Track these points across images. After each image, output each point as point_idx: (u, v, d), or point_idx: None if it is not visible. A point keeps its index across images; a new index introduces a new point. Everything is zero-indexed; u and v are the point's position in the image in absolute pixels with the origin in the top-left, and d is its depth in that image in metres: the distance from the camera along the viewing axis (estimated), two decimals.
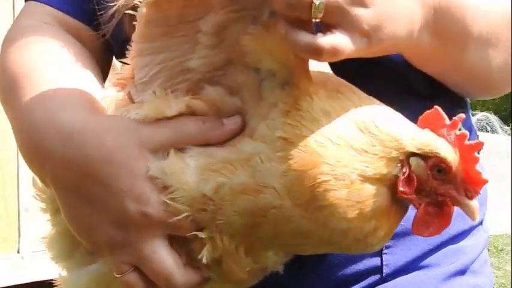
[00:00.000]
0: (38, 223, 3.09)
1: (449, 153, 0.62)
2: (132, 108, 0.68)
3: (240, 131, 0.66)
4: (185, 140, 0.65)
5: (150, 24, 0.65)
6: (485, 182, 0.62)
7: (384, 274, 0.82)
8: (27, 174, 3.01)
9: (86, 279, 0.72)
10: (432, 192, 0.63)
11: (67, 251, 0.75)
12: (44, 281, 3.06)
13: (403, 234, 0.81)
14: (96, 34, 0.91)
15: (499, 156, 10.58)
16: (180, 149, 0.65)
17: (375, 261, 0.81)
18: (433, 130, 0.64)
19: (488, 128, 11.47)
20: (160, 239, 0.65)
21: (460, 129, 0.64)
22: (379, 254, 0.81)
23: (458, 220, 0.76)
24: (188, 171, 0.64)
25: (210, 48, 0.66)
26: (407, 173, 0.62)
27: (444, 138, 0.63)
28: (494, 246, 8.58)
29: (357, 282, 0.81)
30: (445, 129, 0.64)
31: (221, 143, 0.65)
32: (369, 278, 0.82)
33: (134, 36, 0.67)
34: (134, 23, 0.66)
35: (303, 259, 0.71)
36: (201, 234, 0.64)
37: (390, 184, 0.63)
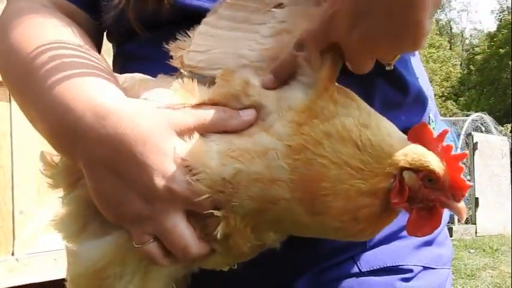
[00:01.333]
0: (33, 226, 3.09)
1: (437, 165, 0.69)
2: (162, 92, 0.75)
3: (254, 122, 0.72)
4: (207, 126, 0.71)
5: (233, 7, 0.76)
6: (469, 186, 0.71)
7: (367, 245, 0.92)
8: (22, 176, 3.00)
9: (101, 250, 0.75)
10: (424, 199, 0.71)
11: (79, 229, 0.78)
12: (38, 283, 3.05)
13: None
14: (90, 18, 0.94)
15: (493, 156, 10.63)
16: (203, 135, 0.71)
17: None
18: (421, 143, 0.72)
19: (483, 128, 11.52)
20: (181, 214, 0.70)
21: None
22: None
23: None
24: (211, 154, 0.69)
25: (266, 40, 0.75)
26: (398, 186, 0.70)
27: (432, 151, 0.71)
28: (489, 246, 8.61)
29: (342, 252, 0.90)
30: (433, 142, 0.72)
31: (237, 131, 0.71)
32: (354, 250, 0.91)
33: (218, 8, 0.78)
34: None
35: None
36: (218, 213, 0.70)
37: (384, 195, 0.70)
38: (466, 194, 0.72)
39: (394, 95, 0.92)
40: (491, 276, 6.84)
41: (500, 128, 13.20)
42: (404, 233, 0.91)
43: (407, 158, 0.69)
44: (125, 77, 0.82)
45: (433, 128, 0.99)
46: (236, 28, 0.77)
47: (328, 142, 0.69)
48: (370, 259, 0.91)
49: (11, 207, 2.99)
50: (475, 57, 40.60)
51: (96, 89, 0.73)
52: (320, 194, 0.68)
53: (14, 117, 2.94)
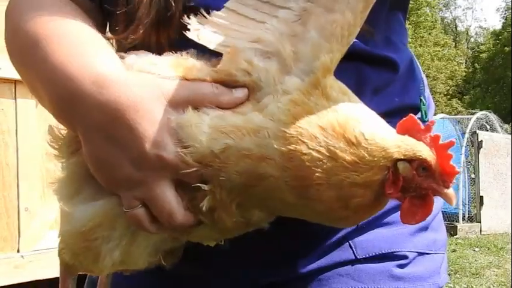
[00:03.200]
0: (38, 223, 3.10)
1: (428, 154, 0.72)
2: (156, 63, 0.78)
3: (248, 101, 0.74)
4: (201, 100, 0.73)
5: None
6: (457, 172, 0.74)
7: (358, 224, 0.92)
8: (27, 174, 3.00)
9: (92, 212, 0.79)
10: (417, 188, 0.74)
11: (74, 192, 0.82)
12: (43, 280, 3.06)
13: None
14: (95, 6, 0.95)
15: (498, 155, 10.59)
16: (196, 109, 0.73)
17: None
18: (410, 135, 0.74)
19: (488, 127, 11.47)
20: (169, 182, 0.73)
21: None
22: None
23: None
24: (202, 128, 0.71)
25: (281, 25, 0.76)
26: (392, 177, 0.72)
27: (422, 141, 0.74)
28: (494, 244, 8.59)
29: (334, 233, 0.93)
30: (421, 133, 0.75)
31: (229, 108, 0.73)
32: (340, 233, 0.92)
33: None
34: None
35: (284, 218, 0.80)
36: (205, 187, 0.72)
37: (377, 187, 0.72)
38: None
39: (384, 75, 0.94)
40: (496, 275, 6.83)
41: (506, 126, 13.15)
42: (390, 219, 0.96)
43: (401, 150, 0.72)
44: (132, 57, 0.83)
45: (425, 112, 1.00)
46: (259, 8, 0.78)
47: (323, 137, 0.71)
48: (366, 245, 0.93)
49: (16, 205, 3.00)
50: (480, 55, 40.48)
51: (98, 59, 0.76)
52: (314, 183, 0.71)
53: (20, 114, 2.95)
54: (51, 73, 0.78)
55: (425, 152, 0.72)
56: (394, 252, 0.94)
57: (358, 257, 0.92)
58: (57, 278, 2.99)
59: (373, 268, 0.92)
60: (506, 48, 36.06)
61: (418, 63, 1.07)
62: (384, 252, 0.93)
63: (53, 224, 3.17)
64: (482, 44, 43.72)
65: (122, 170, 0.73)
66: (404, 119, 0.75)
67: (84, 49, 0.78)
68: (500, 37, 37.98)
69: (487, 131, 11.14)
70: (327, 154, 0.70)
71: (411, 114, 0.75)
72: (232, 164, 0.71)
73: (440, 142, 0.74)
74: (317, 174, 0.70)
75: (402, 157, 0.72)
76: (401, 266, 0.93)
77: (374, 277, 0.91)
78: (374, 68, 0.91)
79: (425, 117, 1.00)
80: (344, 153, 0.70)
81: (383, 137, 0.73)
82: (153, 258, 0.83)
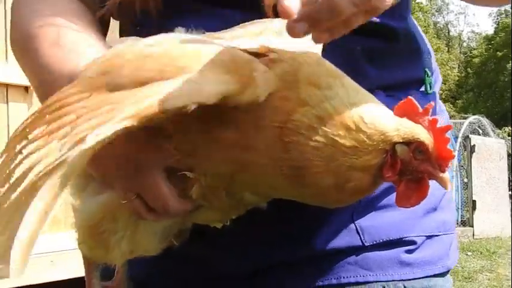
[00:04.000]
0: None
1: (426, 137, 0.72)
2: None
3: None
4: None
5: None
6: (453, 156, 0.74)
7: (360, 201, 0.89)
8: None
9: (96, 206, 0.82)
10: (414, 171, 0.74)
11: (82, 187, 0.84)
12: (35, 284, 3.05)
13: None
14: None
15: (491, 159, 10.63)
16: None
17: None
18: (408, 117, 0.74)
19: (481, 131, 11.53)
20: (160, 172, 0.75)
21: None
22: None
23: None
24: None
25: None
26: (390, 161, 0.72)
27: (420, 124, 0.73)
28: (486, 249, 8.61)
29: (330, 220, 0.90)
30: (419, 116, 0.74)
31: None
32: (346, 214, 0.90)
33: None
34: None
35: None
36: (190, 175, 0.74)
37: (375, 171, 0.73)
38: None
39: (383, 45, 0.92)
40: (489, 279, 6.85)
41: (498, 130, 13.22)
42: (388, 200, 0.94)
43: (400, 133, 0.72)
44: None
45: (430, 84, 0.99)
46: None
47: (321, 126, 0.71)
48: (373, 231, 0.91)
49: None
50: (473, 60, 40.71)
51: (80, 59, 0.82)
52: (312, 171, 0.71)
53: (11, 118, 2.94)
54: (39, 66, 0.86)
55: (423, 135, 0.72)
56: (403, 238, 0.92)
57: (366, 244, 0.90)
58: (49, 283, 2.96)
59: (381, 256, 0.90)
60: (498, 53, 36.28)
61: (423, 36, 1.05)
62: (392, 238, 0.92)
63: (44, 228, 3.15)
64: (474, 49, 43.97)
65: (111, 164, 0.76)
66: (402, 101, 0.75)
67: (74, 46, 0.84)
68: (492, 42, 38.22)
69: (480, 135, 11.20)
70: (326, 142, 0.70)
71: (410, 97, 0.75)
72: (218, 154, 0.72)
73: (438, 125, 0.74)
74: (316, 162, 0.71)
75: (401, 140, 0.72)
76: (409, 252, 0.92)
77: (382, 265, 0.90)
78: (370, 36, 0.90)
79: (430, 90, 0.99)
80: (344, 139, 0.70)
81: (382, 121, 0.72)
82: (164, 243, 0.84)
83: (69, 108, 0.66)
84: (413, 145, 0.72)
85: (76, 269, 3.20)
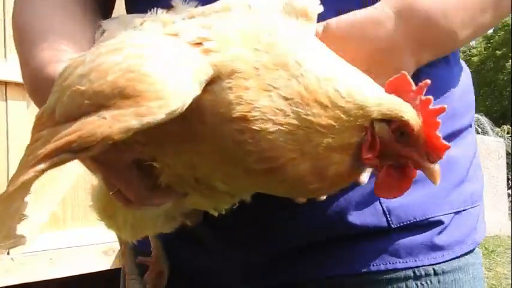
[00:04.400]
0: (29, 225, 3.08)
1: (412, 117, 0.64)
2: None
3: None
4: None
5: None
6: (446, 147, 0.65)
7: None
8: None
9: (100, 191, 0.84)
10: (395, 155, 0.66)
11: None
12: (34, 282, 3.04)
13: None
14: None
15: (489, 158, 10.64)
16: None
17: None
18: (399, 95, 0.67)
19: (480, 130, 11.52)
20: (130, 165, 0.74)
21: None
22: None
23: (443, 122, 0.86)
24: None
25: None
26: (370, 140, 0.65)
27: (410, 103, 0.66)
28: (485, 247, 8.62)
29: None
30: (411, 93, 0.67)
31: None
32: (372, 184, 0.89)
33: None
34: None
35: None
36: (156, 164, 0.72)
37: (354, 151, 0.66)
38: (444, 157, 0.66)
39: None
40: (487, 278, 6.85)
41: (497, 129, 13.19)
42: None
43: (381, 108, 0.65)
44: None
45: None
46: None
47: (290, 107, 0.64)
48: (399, 212, 0.88)
49: None
50: (472, 58, 40.64)
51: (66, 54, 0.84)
52: (287, 159, 0.65)
53: (10, 116, 2.93)
54: (25, 63, 0.90)
55: (409, 115, 0.65)
56: (429, 218, 0.90)
57: (393, 226, 0.88)
58: (48, 280, 2.97)
59: (410, 241, 0.88)
60: (497, 51, 36.26)
61: None
62: (417, 219, 0.89)
63: (43, 226, 3.15)
64: (473, 48, 43.90)
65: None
66: (395, 76, 0.68)
67: (52, 49, 0.87)
68: (491, 40, 38.18)
69: (479, 134, 11.18)
70: (299, 124, 0.64)
71: (404, 72, 0.68)
72: (170, 146, 0.70)
73: (430, 107, 0.66)
74: (289, 147, 0.64)
75: (380, 117, 0.65)
76: (438, 234, 0.90)
77: (411, 251, 0.88)
78: None
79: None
80: (319, 118, 0.64)
81: (362, 94, 0.65)
82: (173, 222, 0.83)
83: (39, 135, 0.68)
84: (395, 124, 0.65)
85: (75, 266, 3.20)
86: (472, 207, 0.96)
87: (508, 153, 11.72)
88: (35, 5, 0.95)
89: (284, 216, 0.88)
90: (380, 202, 0.88)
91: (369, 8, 0.78)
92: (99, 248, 3.30)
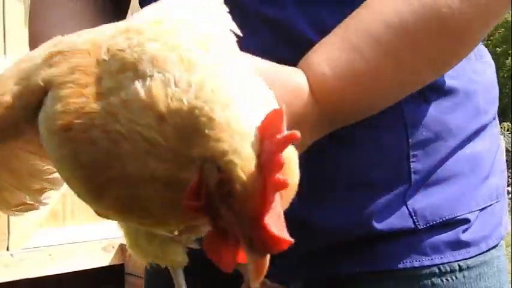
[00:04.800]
0: (28, 221, 3.09)
1: (241, 176, 0.46)
2: None
3: None
4: None
5: None
6: (288, 242, 0.47)
7: (412, 181, 0.88)
8: None
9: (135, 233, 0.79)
10: (216, 213, 0.49)
11: None
12: (33, 278, 3.05)
13: (430, 141, 0.89)
14: None
15: None
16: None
17: (404, 167, 0.88)
18: (264, 135, 0.49)
19: None
20: None
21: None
22: (407, 161, 0.88)
23: (468, 121, 0.87)
24: None
25: None
26: (196, 182, 0.49)
27: (264, 153, 0.47)
28: None
29: (385, 187, 0.88)
30: (275, 139, 0.47)
31: None
32: (399, 186, 0.88)
33: None
34: None
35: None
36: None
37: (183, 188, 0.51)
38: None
39: None
40: None
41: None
42: (449, 171, 0.90)
43: (222, 146, 0.47)
44: None
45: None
46: None
47: (124, 112, 0.53)
48: (425, 213, 0.88)
49: None
50: None
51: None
52: (105, 177, 0.55)
53: None
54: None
55: (242, 170, 0.46)
56: (456, 217, 0.89)
57: (420, 227, 0.88)
58: (47, 276, 2.98)
59: (436, 239, 0.88)
60: (497, 49, 36.23)
61: None
62: (444, 219, 0.89)
63: (42, 222, 3.16)
64: None
65: None
66: (273, 109, 0.49)
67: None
68: (491, 38, 38.13)
69: None
70: (125, 134, 0.52)
71: (284, 106, 0.48)
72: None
73: (280, 176, 0.46)
74: (111, 163, 0.53)
75: (209, 154, 0.48)
76: (464, 231, 0.90)
77: (438, 248, 0.88)
78: None
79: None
80: (146, 130, 0.51)
81: (227, 115, 0.49)
82: (178, 253, 0.74)
83: None
84: (221, 174, 0.47)
85: (74, 263, 3.21)
86: (497, 202, 0.96)
87: (507, 150, 11.71)
88: (47, 11, 0.95)
89: (318, 216, 0.88)
90: (406, 204, 0.88)
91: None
92: (98, 244, 3.31)
